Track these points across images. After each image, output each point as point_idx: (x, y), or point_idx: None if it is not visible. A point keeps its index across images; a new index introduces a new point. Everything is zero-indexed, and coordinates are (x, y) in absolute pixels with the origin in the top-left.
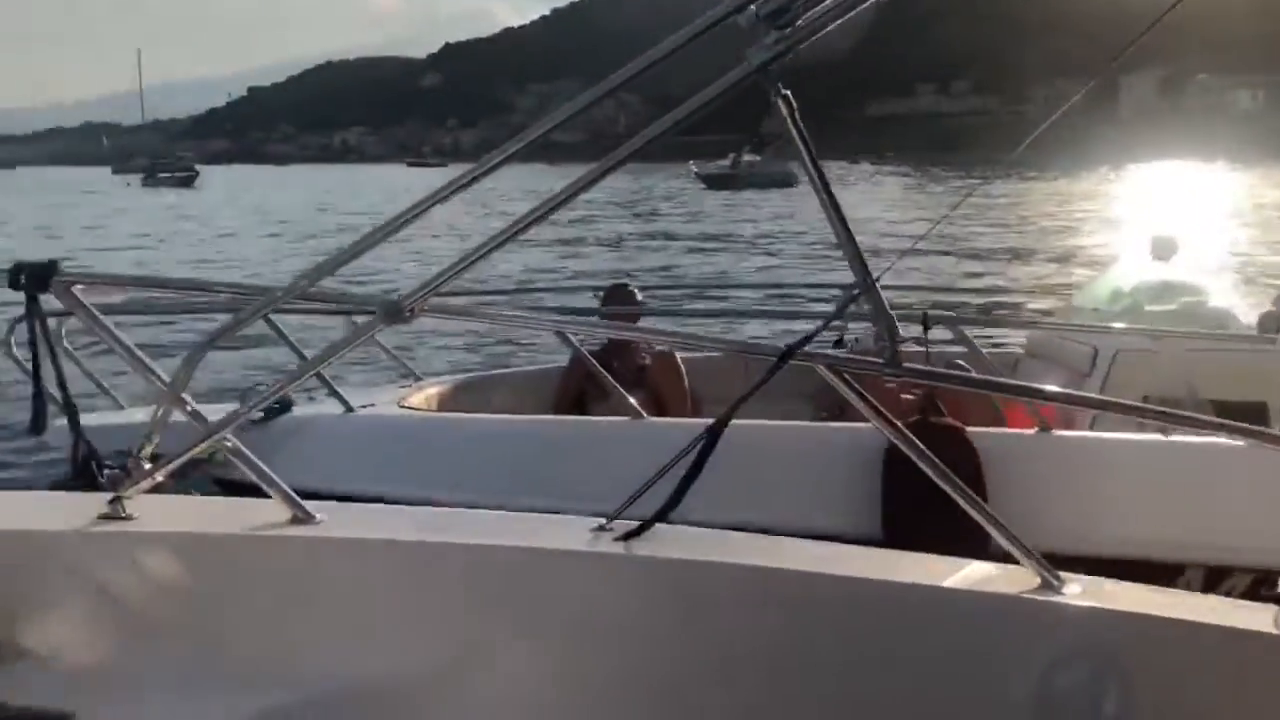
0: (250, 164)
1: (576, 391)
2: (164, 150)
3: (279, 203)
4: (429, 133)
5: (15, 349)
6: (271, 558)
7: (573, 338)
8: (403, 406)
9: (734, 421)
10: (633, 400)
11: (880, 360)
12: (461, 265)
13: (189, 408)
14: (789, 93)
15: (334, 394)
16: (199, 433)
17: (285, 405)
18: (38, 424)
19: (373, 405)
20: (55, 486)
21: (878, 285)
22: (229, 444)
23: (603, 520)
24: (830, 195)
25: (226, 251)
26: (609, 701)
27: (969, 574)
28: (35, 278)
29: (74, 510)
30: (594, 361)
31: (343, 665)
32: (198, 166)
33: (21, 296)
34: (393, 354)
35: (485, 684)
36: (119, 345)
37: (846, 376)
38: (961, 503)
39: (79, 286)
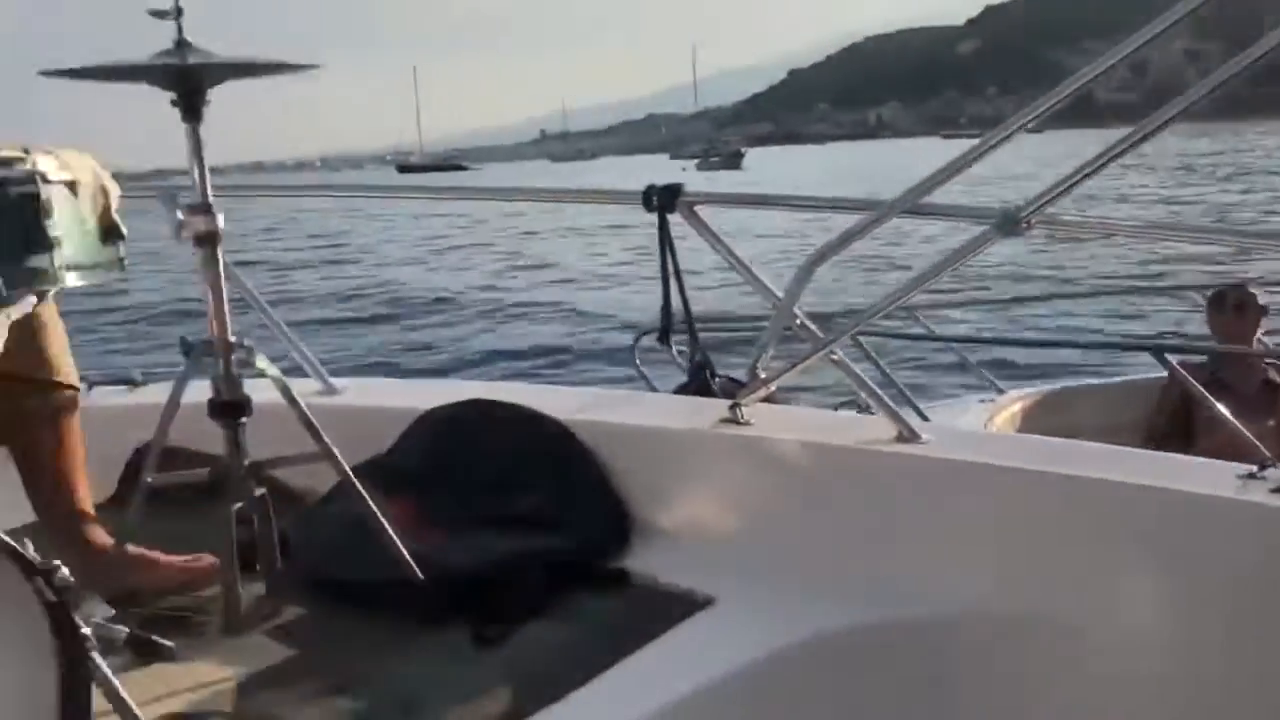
0: (790, 145)
1: (1179, 417)
2: (713, 136)
3: (821, 180)
4: (965, 102)
5: (638, 358)
6: (877, 471)
7: (1170, 356)
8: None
9: None
10: (1248, 434)
11: None
12: (1074, 179)
13: (799, 321)
14: None
15: (917, 413)
16: (811, 346)
17: None
18: (665, 335)
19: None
20: (678, 391)
21: None
22: (835, 356)
23: (1253, 468)
24: None
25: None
26: (1237, 655)
27: None
28: (665, 198)
29: (698, 414)
30: (1196, 384)
31: (943, 586)
32: (743, 149)
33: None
34: (975, 366)
35: (1092, 624)
36: (734, 260)
37: None
38: None
39: (700, 206)
